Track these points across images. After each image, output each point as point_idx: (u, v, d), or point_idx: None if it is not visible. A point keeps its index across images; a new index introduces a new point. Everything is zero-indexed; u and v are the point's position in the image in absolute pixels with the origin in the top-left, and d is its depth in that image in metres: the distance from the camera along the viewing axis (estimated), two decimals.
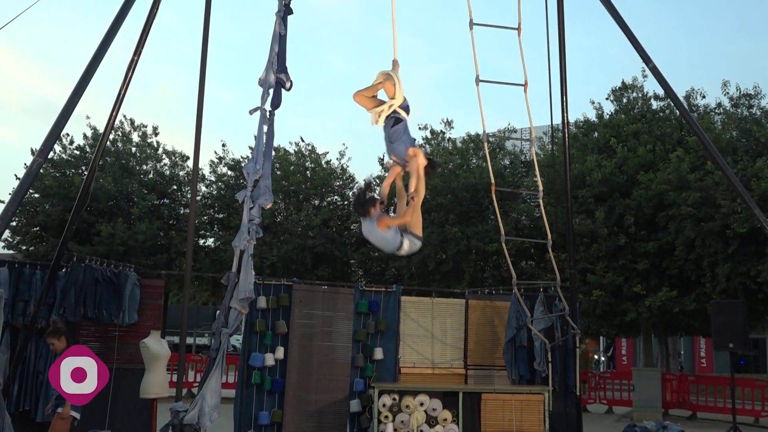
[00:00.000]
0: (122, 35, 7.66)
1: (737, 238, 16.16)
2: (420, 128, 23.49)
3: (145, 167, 22.78)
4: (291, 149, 23.24)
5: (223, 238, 21.63)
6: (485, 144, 11.23)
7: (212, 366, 7.41)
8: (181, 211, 22.74)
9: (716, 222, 16.45)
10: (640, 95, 20.57)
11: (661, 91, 19.46)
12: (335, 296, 11.30)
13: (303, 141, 23.61)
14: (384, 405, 9.81)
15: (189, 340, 32.67)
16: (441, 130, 23.10)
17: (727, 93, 19.44)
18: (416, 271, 20.22)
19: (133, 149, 22.91)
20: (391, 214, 7.75)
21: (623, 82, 20.75)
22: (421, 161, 7.15)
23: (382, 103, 7.28)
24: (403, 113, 7.25)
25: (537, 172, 11.41)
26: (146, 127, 23.29)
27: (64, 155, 22.01)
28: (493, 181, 11.07)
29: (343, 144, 52.75)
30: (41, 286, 9.29)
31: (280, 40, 7.90)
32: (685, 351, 34.25)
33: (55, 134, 7.03)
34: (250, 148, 20.44)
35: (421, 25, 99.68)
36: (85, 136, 22.34)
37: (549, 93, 11.12)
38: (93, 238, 20.14)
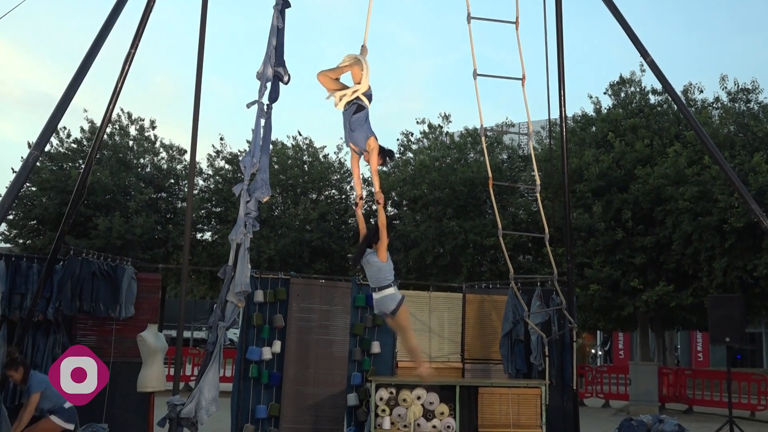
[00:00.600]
0: (119, 28, 7.65)
1: (734, 233, 16.18)
2: (418, 122, 23.53)
3: (142, 161, 22.76)
4: (288, 143, 23.24)
5: (220, 231, 21.62)
6: (483, 138, 11.23)
7: (209, 360, 7.41)
8: (179, 205, 22.73)
9: (713, 216, 16.47)
10: (637, 90, 20.55)
11: (659, 86, 19.47)
12: (333, 290, 11.30)
13: (300, 135, 23.64)
14: (381, 399, 9.82)
15: (186, 334, 32.66)
16: (439, 125, 23.11)
17: (725, 87, 19.43)
18: (413, 265, 20.24)
19: (131, 143, 22.87)
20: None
21: (621, 77, 20.72)
22: (375, 158, 7.14)
23: (345, 87, 7.24)
24: (365, 101, 7.21)
25: (535, 167, 11.39)
26: (143, 120, 23.28)
27: (61, 148, 21.98)
28: (490, 175, 11.06)
29: (341, 138, 52.64)
30: (38, 279, 9.28)
31: (278, 33, 7.88)
32: (681, 345, 34.32)
33: (51, 127, 7.02)
34: (248, 141, 20.41)
35: (419, 19, 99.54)
36: (82, 130, 22.31)
37: (547, 87, 11.11)
38: (90, 231, 20.12)
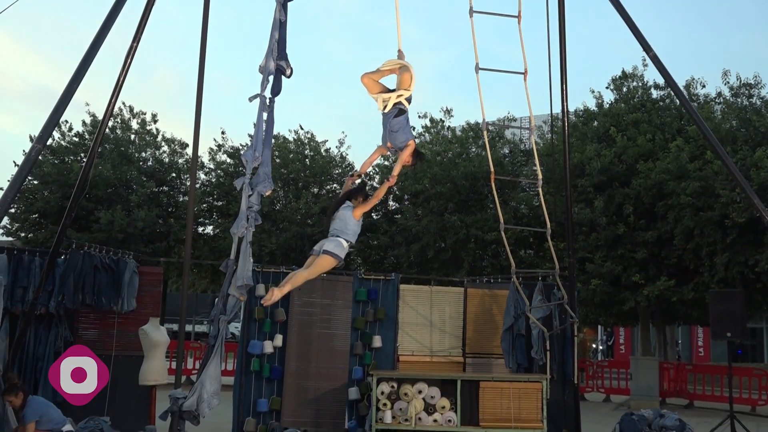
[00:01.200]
0: (121, 22, 7.64)
1: (736, 228, 16.16)
2: (420, 116, 23.46)
3: (144, 154, 22.75)
4: (290, 137, 23.21)
5: (222, 225, 21.62)
6: (485, 132, 11.22)
7: (211, 353, 7.43)
8: (180, 199, 22.73)
9: (715, 211, 16.45)
10: (640, 84, 20.50)
11: (661, 80, 19.40)
12: (334, 284, 11.32)
13: (302, 129, 23.58)
14: (382, 393, 9.84)
15: (188, 328, 32.72)
16: (441, 119, 23.07)
17: (728, 82, 19.39)
18: (415, 260, 20.24)
19: (132, 136, 22.86)
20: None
21: (623, 71, 20.67)
22: (408, 154, 7.38)
23: (387, 89, 7.41)
24: (407, 105, 7.42)
25: (536, 161, 11.39)
26: (145, 114, 23.24)
27: (63, 142, 21.97)
28: (492, 169, 11.05)
29: (343, 132, 52.79)
30: (40, 272, 9.31)
31: (280, 26, 7.87)
32: (682, 340, 34.33)
33: (53, 121, 7.02)
34: (250, 135, 20.41)
35: (421, 13, 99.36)
36: (84, 123, 22.30)
37: (549, 82, 11.10)
38: (92, 225, 20.13)
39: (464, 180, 20.14)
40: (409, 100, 7.43)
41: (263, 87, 7.66)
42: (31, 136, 20.40)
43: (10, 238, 22.07)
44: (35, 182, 21.04)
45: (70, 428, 8.25)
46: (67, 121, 22.37)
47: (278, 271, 11.12)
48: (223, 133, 28.14)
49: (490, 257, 20.47)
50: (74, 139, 22.06)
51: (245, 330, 10.82)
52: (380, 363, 11.15)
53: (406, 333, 11.76)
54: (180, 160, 23.14)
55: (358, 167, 8.14)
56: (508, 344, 11.39)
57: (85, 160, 9.87)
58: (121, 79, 8.51)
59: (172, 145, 23.24)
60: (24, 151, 20.41)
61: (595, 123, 20.41)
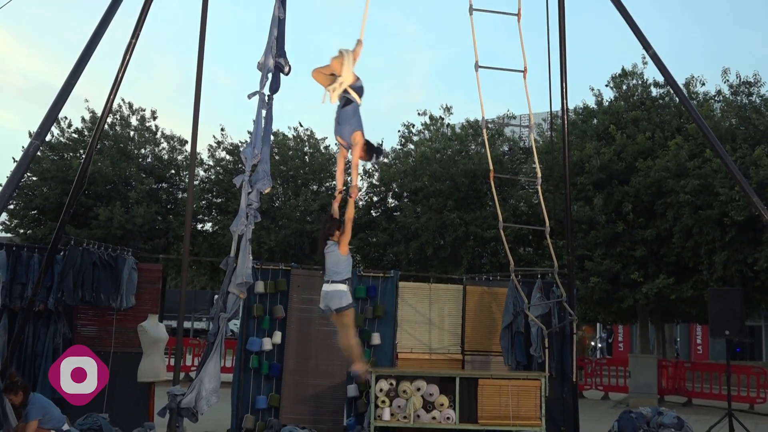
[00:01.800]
0: (120, 18, 7.63)
1: (735, 226, 16.16)
2: (419, 114, 23.48)
3: (143, 151, 22.71)
4: (290, 134, 23.20)
5: (221, 222, 21.61)
6: (484, 130, 11.23)
7: (210, 350, 7.44)
8: (180, 196, 22.70)
9: (714, 210, 16.45)
10: (639, 82, 20.49)
11: (660, 78, 19.37)
12: None
13: (302, 126, 23.59)
14: (381, 390, 9.84)
15: (186, 324, 32.72)
16: (440, 116, 23.06)
17: (727, 81, 19.38)
18: (414, 257, 20.23)
19: (132, 133, 22.82)
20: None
21: (623, 69, 20.64)
22: (359, 151, 7.04)
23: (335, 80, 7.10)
24: (354, 95, 7.08)
25: (536, 159, 11.38)
26: (144, 110, 23.20)
27: (62, 138, 21.94)
28: (491, 167, 11.05)
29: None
30: (39, 269, 9.30)
31: (279, 23, 7.89)
32: (681, 338, 34.32)
33: (52, 117, 7.02)
34: (249, 132, 20.36)
35: (421, 11, 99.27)
36: (83, 120, 22.26)
37: (548, 79, 11.10)
38: (91, 221, 20.11)
39: (463, 177, 20.14)
40: (358, 89, 7.12)
41: (262, 84, 7.67)
42: (29, 132, 20.36)
43: (9, 235, 22.05)
44: (34, 178, 21.02)
45: (69, 428, 8.25)
46: (66, 118, 22.33)
47: (277, 268, 11.11)
48: (222, 130, 28.13)
49: (489, 255, 20.47)
50: (73, 135, 22.02)
51: (244, 327, 10.82)
52: (379, 360, 11.15)
53: (404, 330, 11.76)
54: (179, 157, 23.11)
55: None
56: (507, 342, 11.39)
57: (84, 156, 9.85)
58: (120, 75, 8.50)
59: (172, 142, 23.20)
60: (23, 147, 20.36)
61: (595, 121, 20.40)
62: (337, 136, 7.22)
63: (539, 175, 10.95)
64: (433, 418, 9.83)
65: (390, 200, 22.72)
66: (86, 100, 22.94)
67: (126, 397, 10.26)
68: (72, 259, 9.76)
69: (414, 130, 23.25)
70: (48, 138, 20.07)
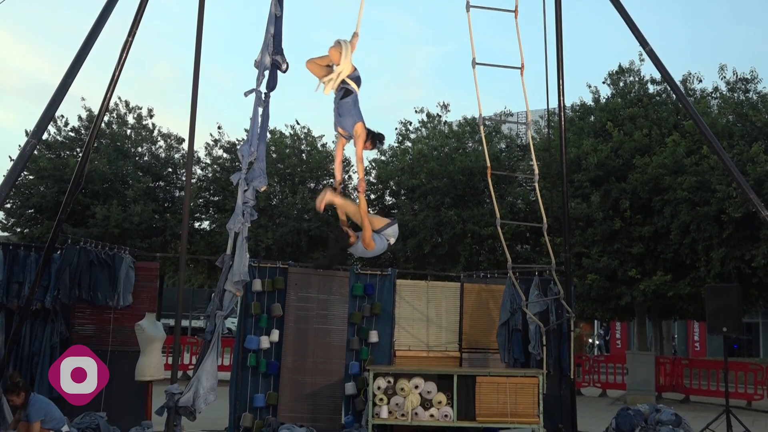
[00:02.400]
0: (117, 16, 7.61)
1: (732, 223, 16.18)
2: (416, 111, 23.42)
3: (140, 149, 22.68)
4: (287, 132, 23.17)
5: (218, 220, 21.60)
6: (481, 127, 11.20)
7: (207, 348, 7.43)
8: (177, 194, 22.68)
9: (711, 206, 16.47)
10: (636, 79, 20.48)
11: (657, 75, 19.41)
12: (330, 279, 11.31)
13: (299, 124, 23.53)
14: (379, 388, 9.83)
15: (184, 323, 32.70)
16: (437, 114, 23.06)
17: (724, 77, 19.37)
18: (411, 255, 20.24)
19: (128, 131, 22.79)
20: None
21: (620, 66, 20.65)
22: (362, 143, 7.03)
23: (332, 72, 7.06)
24: (352, 84, 7.04)
25: (533, 156, 11.36)
26: (141, 109, 23.18)
27: (58, 137, 21.90)
28: (489, 164, 11.03)
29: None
30: (36, 268, 9.28)
31: (276, 21, 7.86)
32: (678, 335, 34.40)
33: (48, 115, 7.00)
34: (246, 130, 20.32)
35: (418, 8, 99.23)
36: (80, 118, 22.23)
37: (546, 76, 11.08)
38: (88, 220, 20.09)
39: (461, 175, 20.14)
40: (356, 79, 7.07)
41: (259, 82, 7.65)
42: (26, 131, 20.34)
43: (5, 233, 22.04)
44: (31, 177, 20.98)
45: (68, 428, 8.24)
46: (62, 116, 22.29)
47: (274, 266, 11.11)
48: (219, 128, 28.06)
49: (487, 252, 20.47)
50: (70, 133, 21.99)
51: (242, 325, 10.81)
52: (377, 358, 11.14)
53: (402, 328, 11.76)
54: (176, 155, 23.09)
55: (354, 162, 8.01)
56: (504, 339, 11.39)
57: (80, 154, 9.84)
58: (117, 73, 8.47)
59: (169, 140, 23.19)
60: (19, 145, 20.32)
61: (592, 118, 20.40)
62: (339, 128, 7.17)
63: (536, 172, 10.93)
64: (431, 415, 9.83)
65: (387, 198, 22.71)
66: (83, 99, 23.05)
67: (123, 396, 10.26)
68: (69, 258, 9.75)
69: (411, 128, 23.24)
70: (45, 136, 20.06)
